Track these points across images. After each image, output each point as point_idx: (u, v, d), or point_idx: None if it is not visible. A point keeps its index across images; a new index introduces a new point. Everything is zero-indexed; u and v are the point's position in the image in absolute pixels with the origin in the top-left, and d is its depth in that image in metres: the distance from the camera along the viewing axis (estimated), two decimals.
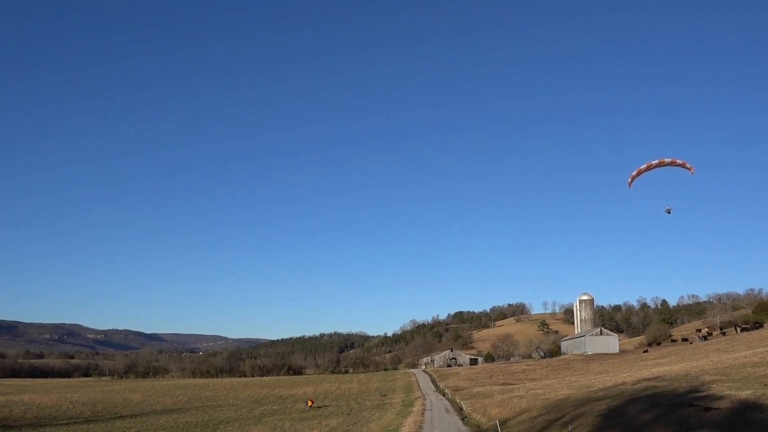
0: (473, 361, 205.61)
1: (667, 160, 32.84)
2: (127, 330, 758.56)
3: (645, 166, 33.83)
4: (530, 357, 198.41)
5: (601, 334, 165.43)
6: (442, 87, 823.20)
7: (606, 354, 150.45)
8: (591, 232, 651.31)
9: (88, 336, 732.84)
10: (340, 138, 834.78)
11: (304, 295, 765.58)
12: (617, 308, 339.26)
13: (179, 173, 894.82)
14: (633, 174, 34.54)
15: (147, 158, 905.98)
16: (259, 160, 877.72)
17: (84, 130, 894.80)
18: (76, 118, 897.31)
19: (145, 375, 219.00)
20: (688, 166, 31.53)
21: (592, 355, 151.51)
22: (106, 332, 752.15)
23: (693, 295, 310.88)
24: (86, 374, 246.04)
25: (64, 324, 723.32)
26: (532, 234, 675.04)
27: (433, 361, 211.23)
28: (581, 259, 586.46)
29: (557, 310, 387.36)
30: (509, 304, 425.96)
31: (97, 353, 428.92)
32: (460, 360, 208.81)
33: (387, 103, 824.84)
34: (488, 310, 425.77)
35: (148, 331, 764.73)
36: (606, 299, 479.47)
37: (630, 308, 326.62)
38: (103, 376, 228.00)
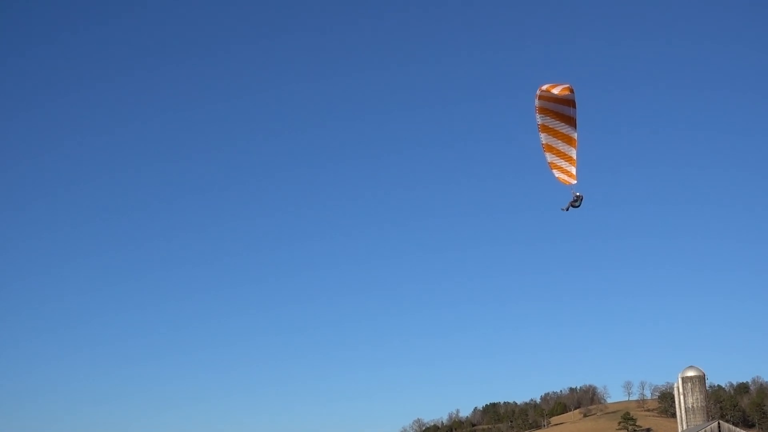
0: None
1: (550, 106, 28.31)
2: None
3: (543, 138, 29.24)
4: None
5: (719, 430, 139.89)
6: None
7: None
8: (691, 279, 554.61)
9: None
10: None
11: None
12: (743, 388, 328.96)
13: None
14: (551, 161, 29.53)
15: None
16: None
17: None
18: None
19: None
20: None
21: None
22: None
23: None
24: None
25: None
26: (602, 287, 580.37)
27: None
28: (679, 317, 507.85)
29: (648, 395, 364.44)
30: (571, 389, 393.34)
31: None
32: None
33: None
34: (538, 400, 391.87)
35: None
36: (722, 375, 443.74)
37: (764, 387, 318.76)
38: None
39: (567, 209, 29.26)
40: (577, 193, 28.84)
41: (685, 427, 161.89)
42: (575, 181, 28.81)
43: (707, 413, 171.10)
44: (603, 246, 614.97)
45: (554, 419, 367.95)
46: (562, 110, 28.00)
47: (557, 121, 28.36)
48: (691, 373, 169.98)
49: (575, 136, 28.12)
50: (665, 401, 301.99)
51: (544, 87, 27.16)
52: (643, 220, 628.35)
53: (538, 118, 28.66)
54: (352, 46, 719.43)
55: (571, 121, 28.07)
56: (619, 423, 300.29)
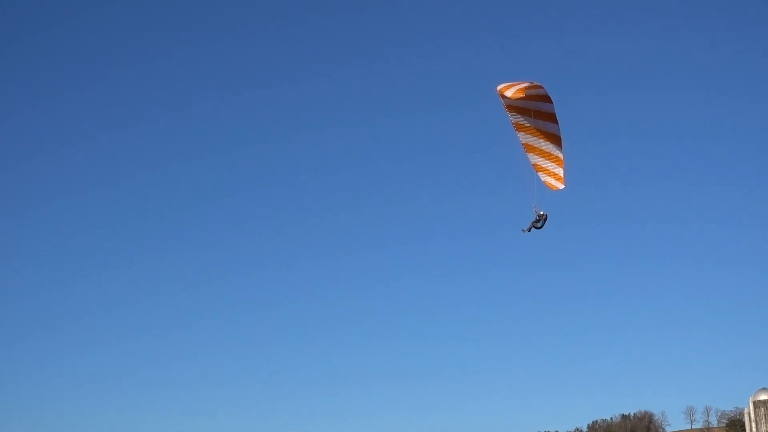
0: None
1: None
2: None
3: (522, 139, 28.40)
4: None
5: None
6: None
7: None
8: (763, 287, 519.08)
9: None
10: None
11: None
12: None
13: None
14: (535, 163, 28.54)
15: None
16: None
17: None
18: None
19: None
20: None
21: None
22: None
23: None
24: None
25: None
26: (658, 296, 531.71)
27: None
28: (749, 331, 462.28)
29: (713, 422, 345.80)
30: (624, 416, 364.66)
31: None
32: None
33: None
34: (585, 429, 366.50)
35: None
36: None
37: None
38: None
39: (528, 230, 28.75)
40: (541, 212, 28.18)
41: None
42: (563, 186, 28.06)
43: None
44: (661, 253, 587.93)
45: None
46: (537, 106, 26.98)
47: (535, 119, 27.51)
48: (764, 397, 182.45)
49: (560, 133, 27.20)
50: (734, 429, 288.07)
51: (499, 87, 26.44)
52: (703, 225, 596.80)
53: (510, 117, 27.99)
54: (342, 47, 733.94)
55: (551, 118, 27.05)
56: None
